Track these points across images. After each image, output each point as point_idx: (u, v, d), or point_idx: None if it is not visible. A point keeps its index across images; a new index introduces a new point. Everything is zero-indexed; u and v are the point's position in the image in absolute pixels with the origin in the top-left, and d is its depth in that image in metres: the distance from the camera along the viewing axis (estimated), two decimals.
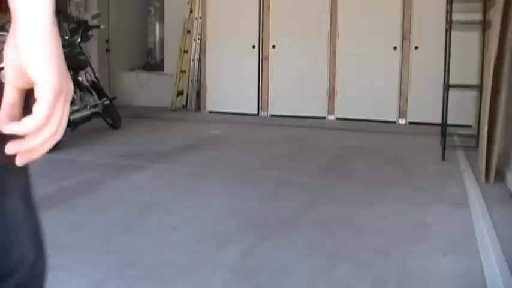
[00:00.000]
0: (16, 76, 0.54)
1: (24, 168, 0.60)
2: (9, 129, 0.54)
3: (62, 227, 2.42)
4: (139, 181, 3.32)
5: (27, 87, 0.55)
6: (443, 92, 4.20)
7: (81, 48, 5.13)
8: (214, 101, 6.78)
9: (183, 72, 6.96)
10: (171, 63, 7.28)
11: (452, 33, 4.05)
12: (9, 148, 0.55)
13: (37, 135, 0.54)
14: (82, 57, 5.08)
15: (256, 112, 6.60)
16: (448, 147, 4.07)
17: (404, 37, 5.90)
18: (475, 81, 4.68)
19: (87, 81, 5.09)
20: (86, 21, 5.38)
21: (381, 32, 5.92)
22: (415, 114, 5.91)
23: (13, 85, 0.55)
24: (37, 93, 0.53)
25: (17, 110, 0.55)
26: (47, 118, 0.54)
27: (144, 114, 6.54)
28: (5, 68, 0.55)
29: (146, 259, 2.08)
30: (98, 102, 5.03)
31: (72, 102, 4.70)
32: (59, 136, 0.57)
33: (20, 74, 0.54)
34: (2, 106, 0.55)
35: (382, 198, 2.98)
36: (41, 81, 0.53)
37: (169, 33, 7.46)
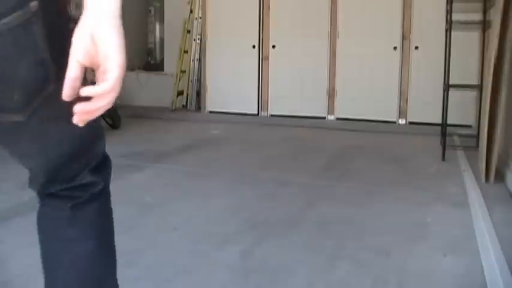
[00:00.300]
0: (84, 55, 0.69)
1: None
2: (86, 91, 0.70)
3: None
4: (139, 181, 3.32)
5: (89, 65, 0.70)
6: (443, 92, 4.20)
7: None
8: (214, 101, 6.78)
9: (183, 72, 6.96)
10: (171, 63, 7.28)
11: (452, 33, 4.05)
12: (78, 108, 0.71)
13: (101, 99, 0.71)
14: None
15: (256, 112, 6.60)
16: (448, 147, 4.07)
17: (404, 37, 5.90)
18: (475, 81, 4.68)
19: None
20: None
21: (381, 32, 5.92)
22: (415, 114, 5.91)
23: (78, 62, 0.69)
24: (108, 66, 0.69)
25: (78, 82, 0.70)
26: (115, 85, 0.70)
27: (144, 114, 6.55)
28: (72, 48, 0.69)
29: (146, 259, 2.08)
30: None
31: None
32: (109, 106, 0.73)
33: (88, 54, 0.69)
34: (66, 78, 0.70)
35: (382, 198, 2.98)
36: (113, 56, 0.69)
37: (169, 33, 7.46)
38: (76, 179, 0.94)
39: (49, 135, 0.86)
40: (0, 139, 0.86)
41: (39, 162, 0.92)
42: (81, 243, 0.97)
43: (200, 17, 6.83)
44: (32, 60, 0.75)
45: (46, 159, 0.91)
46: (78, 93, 0.71)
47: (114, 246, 1.06)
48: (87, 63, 0.70)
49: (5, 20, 0.69)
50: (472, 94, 5.08)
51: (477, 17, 4.47)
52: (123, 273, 1.94)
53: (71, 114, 0.76)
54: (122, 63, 0.70)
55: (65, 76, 0.72)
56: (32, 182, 0.96)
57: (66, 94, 0.70)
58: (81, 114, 0.72)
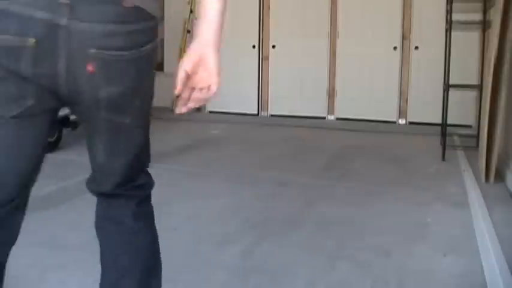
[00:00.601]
0: (191, 67, 1.00)
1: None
2: (197, 95, 1.03)
3: (62, 227, 2.42)
4: None
5: (190, 73, 1.00)
6: (443, 92, 4.20)
7: None
8: (214, 101, 6.75)
9: None
10: (171, 63, 7.27)
11: (452, 33, 4.06)
12: (187, 105, 1.04)
13: (201, 102, 1.05)
14: None
15: (256, 112, 6.60)
16: (448, 147, 4.07)
17: (404, 37, 5.90)
18: (475, 81, 4.68)
19: None
20: None
21: (381, 32, 5.92)
22: (415, 114, 5.91)
23: (185, 71, 1.00)
24: (211, 81, 1.01)
25: (184, 84, 1.01)
26: (214, 93, 1.03)
27: None
28: (184, 60, 1.01)
29: None
30: None
31: None
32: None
33: (193, 67, 1.00)
34: (178, 80, 1.00)
35: (382, 198, 2.98)
36: (215, 75, 1.01)
37: (169, 33, 7.45)
38: (138, 179, 1.15)
39: (134, 137, 1.10)
40: (105, 138, 1.08)
41: (123, 162, 1.11)
42: (143, 235, 1.19)
43: None
44: (149, 77, 1.06)
45: (127, 159, 1.11)
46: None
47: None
48: (189, 72, 1.01)
49: (145, 48, 0.99)
50: (472, 94, 5.08)
51: (477, 17, 4.47)
52: None
53: (146, 121, 1.11)
54: (219, 80, 1.02)
55: (151, 91, 1.09)
56: (101, 184, 1.16)
57: (179, 89, 1.01)
58: (185, 109, 1.05)
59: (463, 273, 1.97)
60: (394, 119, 6.01)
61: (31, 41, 0.87)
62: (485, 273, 1.94)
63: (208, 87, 1.03)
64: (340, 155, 4.26)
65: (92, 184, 1.18)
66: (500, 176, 3.27)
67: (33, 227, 2.52)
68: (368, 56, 5.98)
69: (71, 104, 1.00)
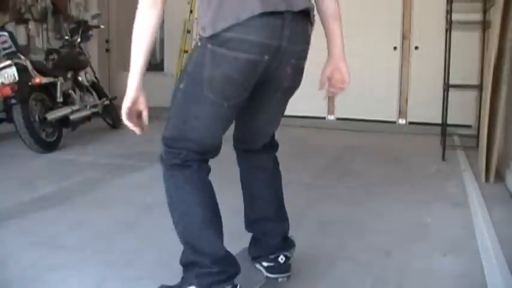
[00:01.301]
0: (330, 73, 1.77)
1: None
2: (335, 90, 1.82)
3: (62, 227, 2.42)
4: (140, 181, 3.32)
5: (330, 77, 1.77)
6: (443, 92, 4.21)
7: (81, 48, 5.13)
8: None
9: None
10: (171, 63, 7.27)
11: (452, 33, 4.06)
12: (332, 93, 1.84)
13: (339, 91, 1.80)
14: (82, 57, 5.08)
15: None
16: (448, 147, 4.07)
17: (404, 37, 5.90)
18: (475, 81, 4.68)
19: (87, 81, 5.09)
20: (86, 21, 5.38)
21: (381, 32, 5.91)
22: (415, 114, 5.91)
23: (326, 75, 1.77)
24: (344, 78, 1.77)
25: (325, 83, 1.78)
26: (346, 87, 1.78)
27: None
28: (325, 68, 1.78)
29: (146, 259, 2.08)
30: (98, 102, 5.03)
31: (72, 103, 4.71)
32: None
33: (331, 73, 1.77)
34: (322, 80, 1.79)
35: (382, 198, 2.98)
36: (347, 77, 1.76)
37: (169, 33, 7.45)
38: (273, 140, 1.80)
39: (282, 112, 1.72)
40: (271, 111, 1.67)
41: (273, 128, 1.75)
42: (278, 177, 1.82)
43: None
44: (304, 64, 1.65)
45: (275, 126, 1.76)
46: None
47: None
48: (329, 76, 1.74)
49: (306, 46, 1.64)
50: (472, 94, 5.08)
51: (477, 17, 4.47)
52: (123, 273, 1.95)
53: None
54: (349, 79, 1.74)
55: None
56: (252, 144, 1.75)
57: (323, 85, 1.77)
58: (330, 94, 1.80)
59: (463, 273, 1.97)
60: (394, 119, 6.01)
61: (266, 57, 1.43)
62: (485, 273, 1.94)
63: (343, 84, 1.74)
64: (341, 155, 4.26)
65: (241, 145, 1.78)
66: (500, 176, 3.27)
67: (33, 227, 2.52)
68: (368, 56, 5.97)
69: (262, 89, 1.54)
